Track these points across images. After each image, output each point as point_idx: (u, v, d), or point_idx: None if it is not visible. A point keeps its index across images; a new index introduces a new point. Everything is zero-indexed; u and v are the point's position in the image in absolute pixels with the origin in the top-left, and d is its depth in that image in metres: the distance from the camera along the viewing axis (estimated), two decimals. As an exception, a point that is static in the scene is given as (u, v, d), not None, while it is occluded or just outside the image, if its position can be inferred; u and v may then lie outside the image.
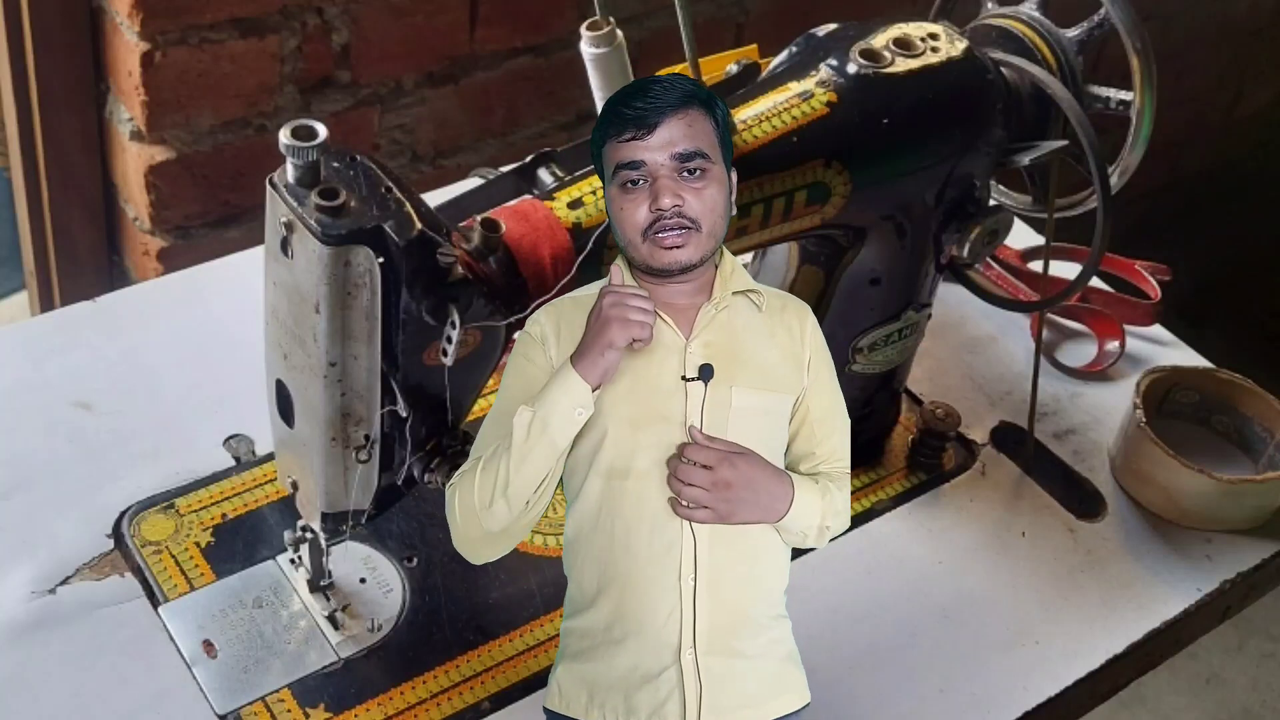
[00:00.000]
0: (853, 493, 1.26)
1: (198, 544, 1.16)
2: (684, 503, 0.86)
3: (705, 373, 0.87)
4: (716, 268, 0.90)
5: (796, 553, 0.97)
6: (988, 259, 1.47)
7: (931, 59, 1.10)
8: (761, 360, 0.89)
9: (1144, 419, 1.29)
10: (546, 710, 0.93)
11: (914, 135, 1.10)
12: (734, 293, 0.90)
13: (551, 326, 0.90)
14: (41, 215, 1.69)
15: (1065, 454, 1.36)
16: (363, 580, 1.15)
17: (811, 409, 0.92)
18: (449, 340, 0.93)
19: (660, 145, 0.84)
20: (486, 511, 0.88)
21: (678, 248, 0.85)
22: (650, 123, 0.84)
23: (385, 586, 1.15)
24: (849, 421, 0.95)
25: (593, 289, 0.91)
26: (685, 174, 0.85)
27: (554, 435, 0.86)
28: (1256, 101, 3.04)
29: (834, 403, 0.94)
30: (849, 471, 0.96)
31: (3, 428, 1.23)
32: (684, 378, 0.87)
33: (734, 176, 0.90)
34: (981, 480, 1.32)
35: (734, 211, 0.90)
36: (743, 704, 0.90)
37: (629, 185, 0.85)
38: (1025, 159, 1.15)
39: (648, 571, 0.87)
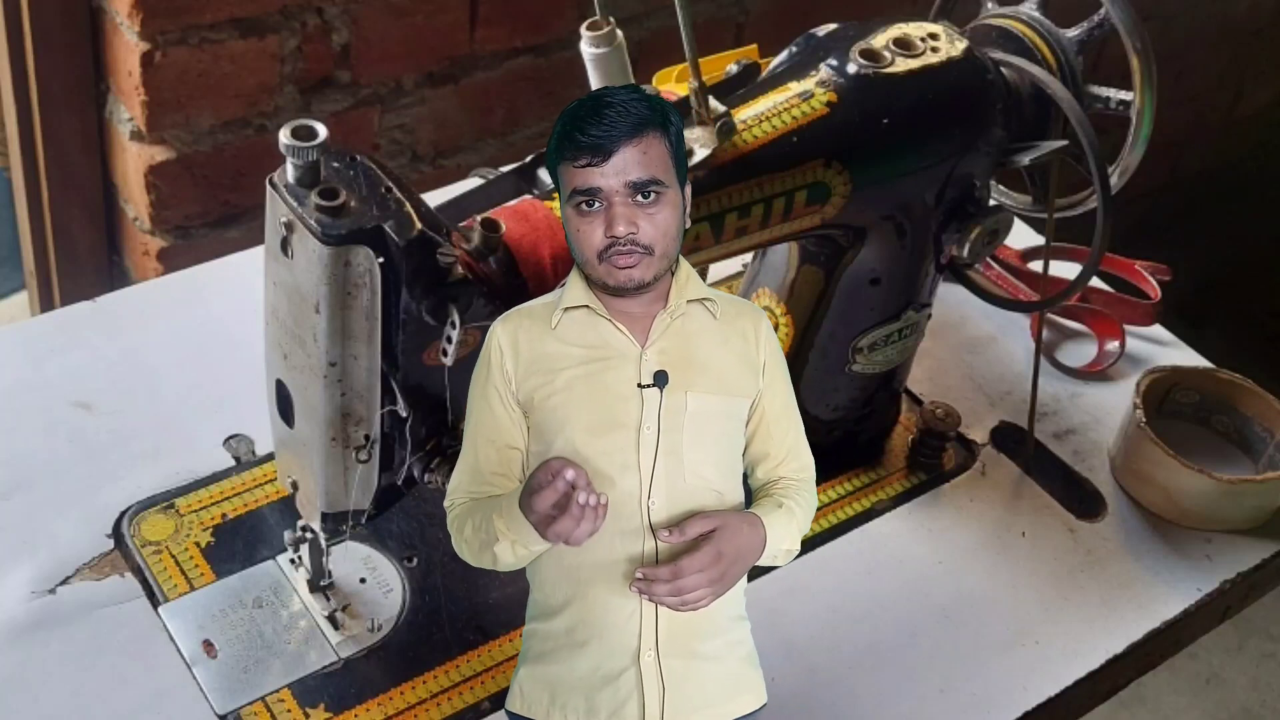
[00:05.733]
0: (853, 493, 1.28)
1: (198, 544, 1.16)
2: (682, 608, 0.87)
3: (660, 379, 0.88)
4: (673, 275, 0.90)
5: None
6: (988, 259, 1.47)
7: (931, 59, 1.10)
8: (716, 365, 0.90)
9: (1144, 419, 1.29)
10: (508, 712, 0.94)
11: (914, 135, 1.10)
12: (689, 300, 0.90)
13: (509, 342, 0.90)
14: (41, 215, 1.69)
15: (1065, 454, 1.36)
16: (363, 580, 1.15)
17: (767, 410, 0.93)
18: (449, 340, 0.93)
19: (615, 173, 0.85)
20: (485, 566, 0.91)
21: (631, 268, 0.86)
22: (605, 151, 0.84)
23: (385, 586, 1.15)
24: (802, 422, 0.96)
25: (550, 298, 0.91)
26: (639, 198, 0.85)
27: (536, 550, 0.88)
28: (1256, 101, 3.05)
29: (788, 403, 0.95)
30: (812, 469, 0.96)
31: (3, 428, 1.23)
32: (640, 385, 0.88)
33: (688, 192, 0.90)
34: (981, 480, 1.32)
35: (688, 225, 0.90)
36: (702, 704, 0.90)
37: (584, 207, 0.86)
38: (1025, 159, 1.15)
39: (609, 575, 0.88)
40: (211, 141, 1.61)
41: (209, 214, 1.67)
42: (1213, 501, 1.27)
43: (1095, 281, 1.49)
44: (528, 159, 1.03)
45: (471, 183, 1.03)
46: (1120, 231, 1.21)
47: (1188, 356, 1.47)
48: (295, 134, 0.87)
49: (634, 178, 0.85)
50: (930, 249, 1.17)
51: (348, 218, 0.88)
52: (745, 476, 0.94)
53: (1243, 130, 3.08)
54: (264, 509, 1.19)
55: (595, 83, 1.07)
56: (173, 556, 1.15)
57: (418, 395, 0.98)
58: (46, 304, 1.79)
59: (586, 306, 0.89)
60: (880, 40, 1.10)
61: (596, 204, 0.86)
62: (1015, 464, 1.34)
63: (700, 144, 1.00)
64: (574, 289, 0.90)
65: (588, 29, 1.05)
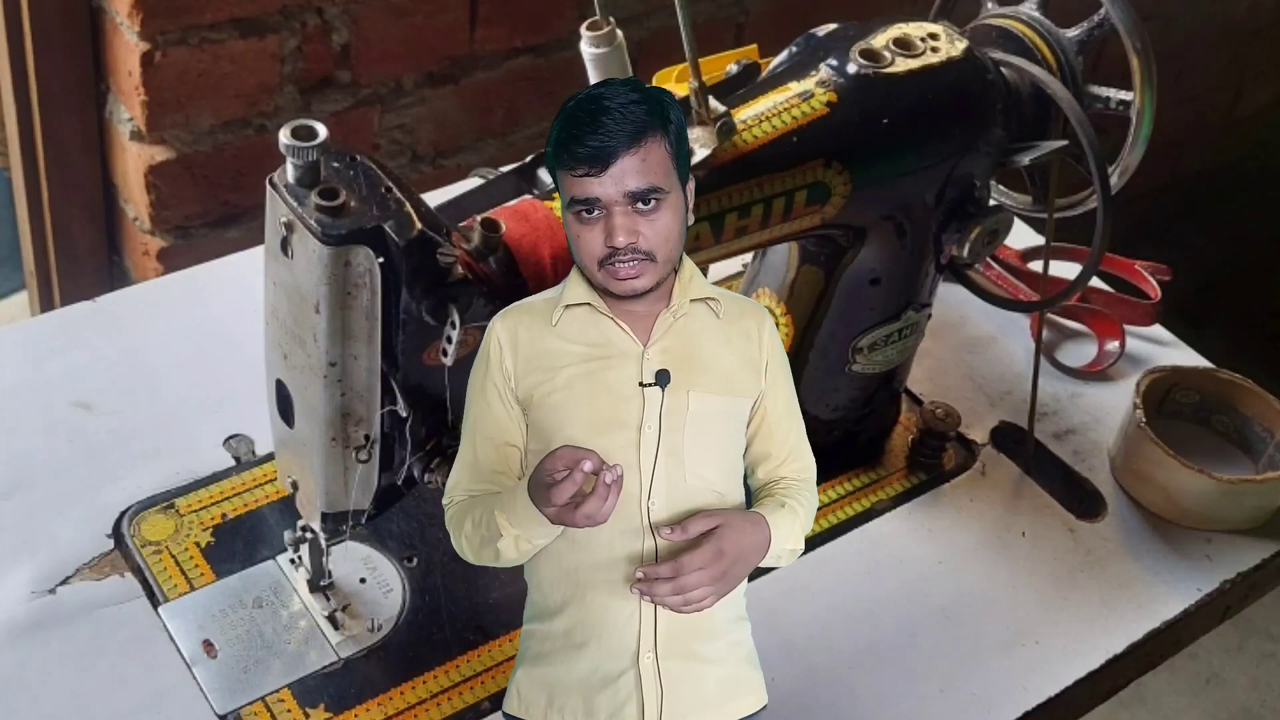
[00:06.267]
0: (853, 492, 1.28)
1: (198, 544, 1.16)
2: (685, 608, 0.87)
3: (662, 378, 0.87)
4: (676, 273, 0.90)
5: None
6: (988, 259, 1.47)
7: (931, 59, 1.10)
8: (719, 365, 0.90)
9: (1144, 419, 1.29)
10: (505, 715, 0.93)
11: (914, 135, 1.10)
12: (692, 299, 0.90)
13: (508, 338, 0.89)
14: (41, 215, 1.69)
15: (1065, 454, 1.36)
16: (363, 580, 1.15)
17: (769, 410, 0.93)
18: (449, 340, 0.93)
19: (613, 182, 0.84)
20: (486, 562, 0.90)
21: (634, 279, 0.86)
22: (603, 161, 0.84)
23: (385, 586, 1.15)
24: (803, 422, 0.95)
25: (551, 294, 0.91)
26: (640, 204, 0.85)
27: (540, 544, 0.88)
28: (1256, 101, 3.05)
29: (790, 404, 0.94)
30: (813, 470, 0.96)
31: (3, 428, 1.23)
32: (641, 383, 0.87)
33: (690, 187, 0.90)
34: (981, 480, 1.32)
35: (691, 221, 0.90)
36: (701, 706, 0.90)
37: (584, 215, 0.85)
38: (1025, 159, 1.15)
39: (608, 575, 0.88)
40: (211, 141, 1.61)
41: (209, 214, 1.67)
42: (1213, 501, 1.27)
43: (1095, 281, 1.49)
44: (528, 159, 1.03)
45: (471, 183, 1.03)
46: (1120, 231, 1.21)
47: (1188, 356, 1.47)
48: (295, 134, 0.87)
49: (633, 187, 0.84)
50: (930, 249, 1.17)
51: (348, 218, 0.88)
52: (745, 477, 0.94)
53: (1243, 130, 3.08)
54: (264, 509, 1.19)
55: (595, 82, 1.07)
56: (173, 556, 1.15)
57: (418, 395, 0.98)
58: (46, 304, 1.79)
59: (588, 304, 0.89)
60: (880, 40, 1.10)
61: (596, 212, 0.85)
62: (1015, 464, 1.34)
63: (700, 144, 1.00)
64: (575, 286, 0.89)
65: (588, 29, 1.05)
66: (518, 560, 0.89)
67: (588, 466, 0.81)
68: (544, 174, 1.03)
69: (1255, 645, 2.39)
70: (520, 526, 0.86)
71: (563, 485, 0.82)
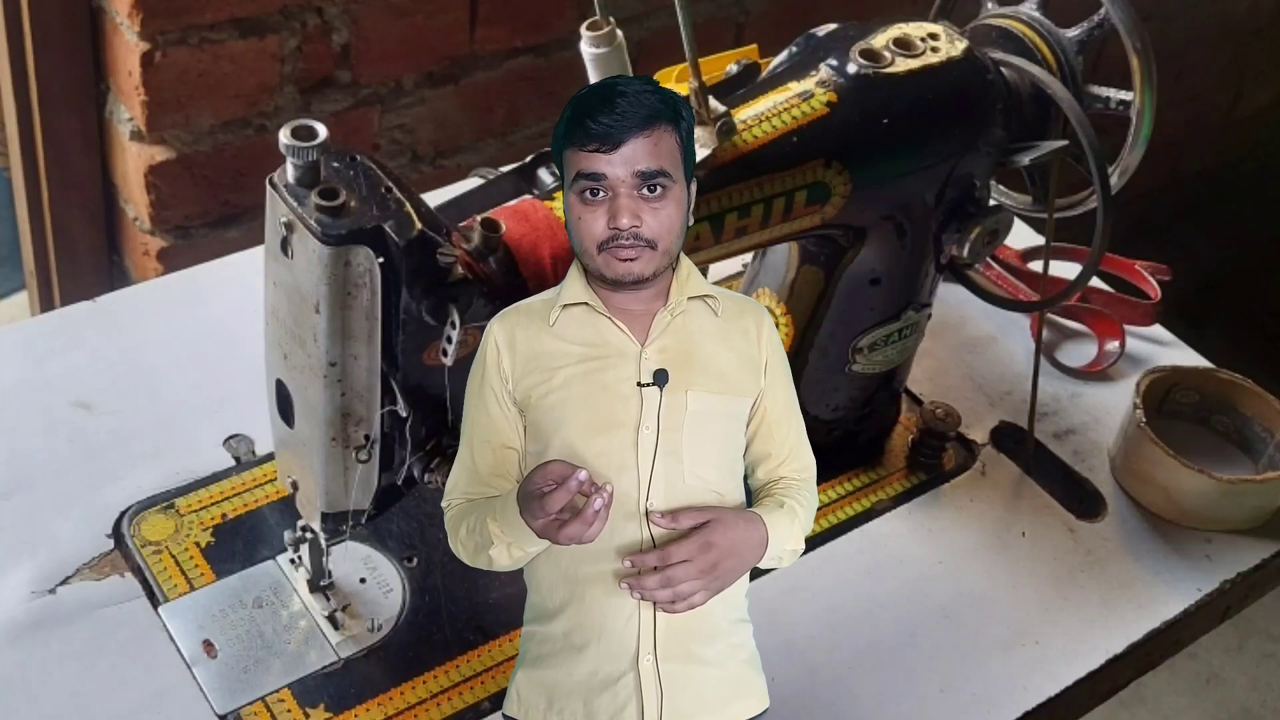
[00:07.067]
0: (853, 492, 1.28)
1: (198, 544, 1.16)
2: (676, 604, 0.86)
3: (660, 378, 0.87)
4: (673, 272, 0.90)
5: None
6: (988, 259, 1.48)
7: (931, 59, 1.10)
8: (717, 364, 0.90)
9: (1144, 419, 1.30)
10: (505, 717, 0.93)
11: (914, 135, 1.10)
12: (690, 298, 0.90)
13: (506, 339, 0.89)
14: (41, 215, 1.69)
15: (1065, 454, 1.36)
16: (363, 580, 1.15)
17: (769, 410, 0.92)
18: (449, 340, 0.93)
19: (623, 161, 0.84)
20: (482, 567, 0.90)
21: (632, 260, 0.85)
22: (615, 139, 0.84)
23: (385, 586, 1.15)
24: (803, 422, 0.95)
25: (548, 295, 0.91)
26: (645, 190, 0.85)
27: (532, 552, 0.88)
28: (1256, 101, 3.05)
29: (790, 403, 0.94)
30: (813, 469, 0.95)
31: (3, 428, 1.23)
32: (639, 383, 0.87)
33: (693, 188, 0.90)
34: (981, 480, 1.32)
35: (691, 223, 0.90)
36: (701, 709, 0.89)
37: (588, 195, 0.85)
38: (1025, 159, 1.15)
39: (607, 577, 0.87)
40: (211, 141, 1.61)
41: (209, 214, 1.67)
42: (1213, 501, 1.27)
43: (1095, 281, 1.49)
44: (528, 159, 1.03)
45: (471, 183, 1.03)
46: (1120, 231, 1.21)
47: (1188, 356, 1.47)
48: (295, 134, 0.87)
49: (643, 167, 0.84)
50: (930, 249, 1.17)
51: (348, 218, 0.88)
52: (745, 477, 0.94)
53: (1243, 130, 3.08)
54: (264, 509, 1.19)
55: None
56: (173, 556, 1.15)
57: (418, 395, 0.98)
58: (46, 304, 1.79)
59: (585, 304, 0.88)
60: (880, 40, 1.10)
61: (601, 193, 0.85)
62: (1015, 464, 1.34)
63: (700, 144, 1.00)
64: (572, 285, 0.89)
65: (588, 29, 1.05)
66: (511, 566, 0.89)
67: (574, 485, 0.81)
68: (544, 174, 1.03)
69: (1255, 645, 2.39)
70: (511, 535, 0.86)
71: (554, 495, 0.82)
